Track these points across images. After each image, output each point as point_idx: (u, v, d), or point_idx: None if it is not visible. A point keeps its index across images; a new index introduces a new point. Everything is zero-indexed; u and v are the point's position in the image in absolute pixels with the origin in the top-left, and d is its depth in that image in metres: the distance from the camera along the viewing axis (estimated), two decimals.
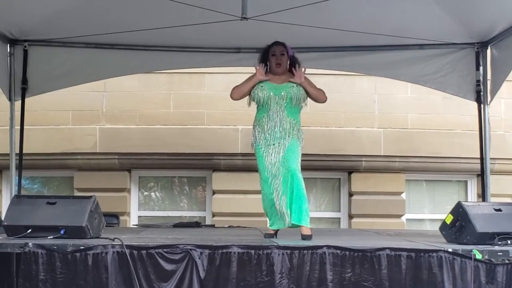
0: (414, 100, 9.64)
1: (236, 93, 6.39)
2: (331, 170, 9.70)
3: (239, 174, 9.58)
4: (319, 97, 6.34)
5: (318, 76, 7.58)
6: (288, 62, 6.36)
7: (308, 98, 6.33)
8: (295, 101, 6.21)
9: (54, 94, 8.56)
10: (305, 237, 5.88)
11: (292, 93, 6.20)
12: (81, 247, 5.10)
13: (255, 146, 6.29)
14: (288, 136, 6.16)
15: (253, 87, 6.30)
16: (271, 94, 6.21)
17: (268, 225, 6.36)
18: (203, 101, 9.56)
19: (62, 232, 5.44)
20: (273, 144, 6.14)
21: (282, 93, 6.19)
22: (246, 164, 9.56)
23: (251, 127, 9.26)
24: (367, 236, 6.86)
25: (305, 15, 6.33)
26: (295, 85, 6.21)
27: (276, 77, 6.32)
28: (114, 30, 7.37)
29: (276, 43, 6.39)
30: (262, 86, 6.26)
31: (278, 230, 6.23)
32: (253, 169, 9.57)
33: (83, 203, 5.64)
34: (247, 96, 6.37)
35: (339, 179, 9.97)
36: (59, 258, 5.06)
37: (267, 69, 6.32)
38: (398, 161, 9.67)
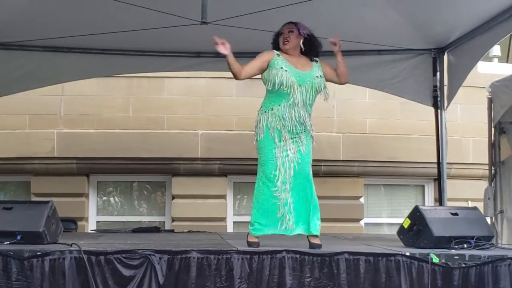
0: (373, 105, 9.73)
1: (244, 74, 5.65)
2: None
3: (198, 179, 9.56)
4: (346, 76, 5.80)
5: None
6: (301, 41, 5.70)
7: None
8: (316, 93, 5.63)
9: (10, 98, 8.45)
10: (316, 246, 5.50)
11: (316, 84, 5.61)
12: (38, 253, 5.04)
13: (262, 137, 5.58)
14: (304, 132, 5.59)
15: (261, 66, 5.66)
16: (295, 81, 5.54)
17: (251, 230, 5.58)
18: (163, 105, 9.52)
19: (18, 237, 5.37)
20: (290, 140, 5.54)
21: (307, 83, 5.58)
22: (206, 168, 9.56)
23: (211, 131, 9.44)
24: (326, 240, 6.86)
25: (265, 20, 6.35)
26: (319, 75, 5.64)
27: (295, 60, 5.68)
28: (72, 33, 7.31)
29: (287, 23, 5.77)
30: (286, 70, 5.57)
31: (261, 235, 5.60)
32: (212, 173, 9.62)
33: (40, 208, 5.58)
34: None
35: None
36: (15, 264, 4.99)
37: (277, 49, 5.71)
38: (357, 166, 9.74)
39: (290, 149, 5.56)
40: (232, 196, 9.84)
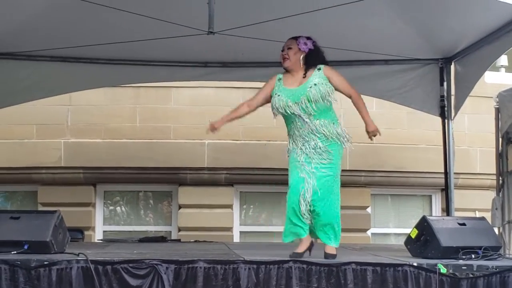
0: (379, 115, 9.65)
1: (250, 108, 5.89)
2: None
3: (205, 189, 9.56)
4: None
5: None
6: (302, 57, 5.74)
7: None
8: (319, 102, 5.61)
9: (18, 108, 8.48)
10: (328, 256, 5.51)
11: (311, 94, 5.58)
12: (45, 263, 5.05)
13: (288, 156, 5.79)
14: (325, 140, 5.64)
15: (266, 97, 5.79)
16: (289, 101, 5.62)
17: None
18: (170, 115, 9.54)
19: (26, 247, 5.37)
20: (308, 155, 5.62)
21: (302, 97, 5.60)
22: (212, 178, 9.55)
23: (218, 141, 9.43)
24: None
25: (271, 30, 6.37)
26: (314, 84, 5.62)
27: (292, 78, 5.74)
28: (80, 43, 7.33)
29: (289, 39, 5.83)
30: (278, 95, 5.67)
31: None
32: (219, 183, 9.61)
33: (47, 218, 5.58)
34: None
35: None
36: (22, 274, 4.99)
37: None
38: (364, 176, 9.73)
39: (309, 164, 5.63)
40: (239, 206, 9.83)
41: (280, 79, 5.80)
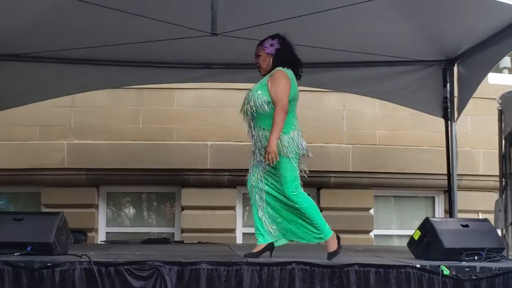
0: (382, 116, 9.72)
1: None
2: None
3: (208, 190, 9.56)
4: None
5: None
6: (272, 60, 5.65)
7: None
8: (257, 107, 5.50)
9: (21, 109, 8.49)
10: (328, 256, 5.55)
11: (249, 99, 5.54)
12: (48, 264, 5.05)
13: None
14: (264, 150, 5.54)
15: None
16: (245, 102, 5.60)
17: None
18: (173, 116, 9.54)
19: (29, 248, 5.37)
20: (255, 161, 5.74)
21: (247, 101, 5.57)
22: (215, 180, 9.55)
23: (221, 143, 9.44)
24: None
25: (274, 31, 6.36)
26: (254, 88, 5.56)
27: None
28: (83, 45, 7.34)
29: (256, 46, 5.78)
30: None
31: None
32: (222, 185, 9.62)
33: (50, 219, 5.59)
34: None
35: (308, 194, 9.95)
36: (25, 275, 5.00)
37: None
38: (367, 177, 9.72)
39: (259, 168, 5.76)
40: (241, 207, 9.83)
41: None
